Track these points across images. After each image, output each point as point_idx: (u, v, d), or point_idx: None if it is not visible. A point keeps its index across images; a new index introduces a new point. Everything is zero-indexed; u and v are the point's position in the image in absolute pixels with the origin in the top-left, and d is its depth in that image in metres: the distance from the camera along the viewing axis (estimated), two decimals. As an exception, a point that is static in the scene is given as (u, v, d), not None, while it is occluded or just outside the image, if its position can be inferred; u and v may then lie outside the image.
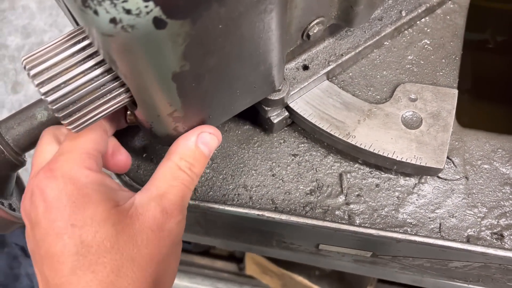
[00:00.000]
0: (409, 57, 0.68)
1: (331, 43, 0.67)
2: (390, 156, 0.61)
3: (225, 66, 0.41)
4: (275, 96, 0.60)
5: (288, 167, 0.67)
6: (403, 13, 0.68)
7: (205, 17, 0.32)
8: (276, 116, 0.65)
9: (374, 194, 0.65)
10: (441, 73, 0.67)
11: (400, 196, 0.65)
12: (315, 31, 0.58)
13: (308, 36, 0.58)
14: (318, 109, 0.64)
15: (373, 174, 0.66)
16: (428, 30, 0.70)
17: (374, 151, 0.61)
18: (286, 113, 0.65)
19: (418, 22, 0.70)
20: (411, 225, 0.63)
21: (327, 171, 0.66)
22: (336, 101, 0.65)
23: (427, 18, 0.70)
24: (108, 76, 0.37)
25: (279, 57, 0.48)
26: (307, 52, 0.66)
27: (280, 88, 0.59)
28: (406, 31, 0.70)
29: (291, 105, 0.64)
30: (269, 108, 0.62)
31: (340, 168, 0.67)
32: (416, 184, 0.66)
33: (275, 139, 0.69)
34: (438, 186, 0.66)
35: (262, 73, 0.48)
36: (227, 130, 0.69)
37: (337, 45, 0.66)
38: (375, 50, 0.69)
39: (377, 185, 0.66)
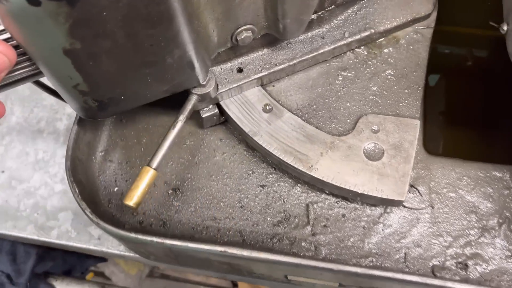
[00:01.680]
0: (373, 88, 0.70)
1: (268, 52, 0.68)
2: (352, 189, 0.62)
3: (122, 51, 0.46)
4: (199, 91, 0.62)
5: (257, 198, 0.68)
6: (346, 34, 0.70)
7: (83, 2, 0.37)
8: (206, 111, 0.67)
9: (340, 225, 0.66)
10: (404, 104, 0.68)
11: (366, 226, 0.66)
12: (242, 37, 0.60)
13: (237, 40, 0.61)
14: (283, 142, 0.65)
15: (339, 204, 0.67)
16: (392, 61, 0.71)
17: (336, 184, 0.62)
18: (216, 110, 0.68)
19: (382, 52, 0.72)
20: (376, 255, 0.64)
21: (295, 202, 0.67)
22: (300, 134, 0.66)
23: (390, 48, 0.72)
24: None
25: (195, 53, 0.52)
26: (244, 57, 0.68)
27: (204, 83, 0.61)
28: (370, 62, 0.71)
29: (228, 111, 0.67)
30: (199, 102, 0.64)
31: (307, 198, 0.68)
32: (382, 214, 0.67)
33: (244, 170, 0.70)
34: (404, 216, 0.66)
35: (174, 65, 0.52)
36: (197, 163, 0.71)
37: (273, 54, 0.68)
38: (337, 82, 0.70)
39: (343, 215, 0.67)
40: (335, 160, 0.64)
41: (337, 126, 0.67)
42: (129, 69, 0.50)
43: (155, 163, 0.59)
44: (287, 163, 0.64)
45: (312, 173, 0.63)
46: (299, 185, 0.68)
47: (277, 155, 0.64)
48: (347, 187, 0.62)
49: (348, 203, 0.67)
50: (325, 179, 0.63)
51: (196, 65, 0.54)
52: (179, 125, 0.61)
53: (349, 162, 0.63)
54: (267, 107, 0.68)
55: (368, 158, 0.64)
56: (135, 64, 0.49)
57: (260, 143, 0.65)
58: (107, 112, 0.60)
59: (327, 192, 0.67)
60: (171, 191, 0.67)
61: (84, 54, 0.44)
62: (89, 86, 0.50)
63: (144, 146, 0.72)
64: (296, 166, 0.63)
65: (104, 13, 0.40)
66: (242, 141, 0.71)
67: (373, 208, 0.67)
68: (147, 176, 0.58)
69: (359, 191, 0.62)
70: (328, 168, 0.63)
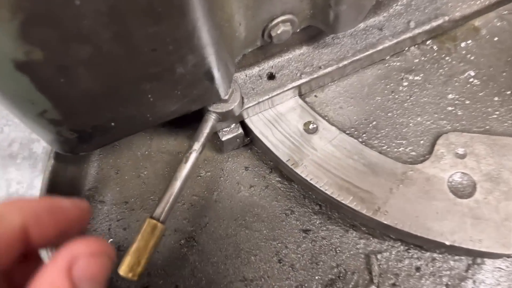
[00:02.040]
0: (450, 95, 0.52)
1: (308, 51, 0.51)
2: (437, 239, 0.45)
3: (109, 60, 0.33)
4: (219, 108, 0.45)
5: (299, 249, 0.51)
6: (411, 24, 0.52)
7: None
8: (226, 132, 0.50)
9: (415, 282, 0.49)
10: (494, 116, 0.51)
11: (450, 283, 0.49)
12: (278, 32, 0.43)
13: (270, 36, 0.44)
14: (336, 174, 0.48)
15: (411, 254, 0.50)
16: (472, 58, 0.54)
17: (415, 233, 0.45)
18: (240, 131, 0.51)
19: (458, 47, 0.54)
20: (468, 325, 0.47)
21: (351, 252, 0.50)
22: (358, 162, 0.48)
23: (469, 41, 0.54)
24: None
25: (216, 58, 0.38)
26: (276, 58, 0.51)
27: (226, 97, 0.45)
28: (443, 60, 0.53)
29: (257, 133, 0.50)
30: (219, 122, 0.48)
31: (368, 246, 0.50)
32: (469, 265, 0.49)
33: (280, 209, 0.52)
34: (500, 267, 0.49)
35: (186, 76, 0.38)
36: (216, 200, 0.53)
37: (316, 54, 0.51)
38: (402, 88, 0.52)
39: (417, 269, 0.50)
40: (410, 199, 0.46)
41: (407, 149, 0.50)
42: (121, 86, 0.37)
43: (163, 214, 0.42)
44: (343, 203, 0.47)
45: (381, 218, 0.46)
46: (354, 227, 0.51)
47: (329, 193, 0.47)
48: (430, 237, 0.45)
49: (423, 251, 0.50)
50: (399, 226, 0.45)
51: (217, 74, 0.40)
52: (193, 157, 0.44)
53: (430, 201, 0.46)
54: (311, 126, 0.50)
55: (455, 194, 0.46)
56: (130, 79, 0.37)
57: (304, 176, 0.48)
58: (92, 144, 0.43)
59: (393, 237, 0.50)
60: (184, 241, 0.50)
61: (49, 68, 0.31)
62: (62, 113, 0.37)
63: (145, 180, 0.55)
64: (357, 209, 0.46)
65: (78, 2, 0.27)
66: (275, 169, 0.54)
67: (456, 258, 0.50)
68: (153, 233, 0.41)
69: (448, 243, 0.44)
70: (402, 210, 0.46)
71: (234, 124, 0.51)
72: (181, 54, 0.36)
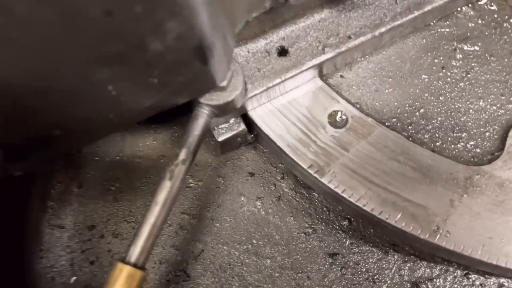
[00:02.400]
0: (518, 69, 0.39)
1: (333, 15, 0.39)
2: (520, 268, 0.33)
3: (37, 32, 0.21)
4: (214, 99, 0.34)
5: (326, 279, 0.39)
6: None
7: None
8: (224, 130, 0.38)
9: (479, 318, 0.37)
10: None
11: (524, 317, 0.37)
12: None
13: None
14: (375, 183, 0.35)
15: (471, 279, 0.39)
16: (544, 19, 0.41)
17: (488, 261, 0.33)
18: (242, 127, 0.39)
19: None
20: None
21: (393, 280, 0.39)
22: (405, 165, 0.36)
23: (538, -3, 0.41)
24: None
25: (211, 24, 0.26)
26: (289, 26, 0.39)
27: (224, 84, 0.32)
28: (506, 23, 0.40)
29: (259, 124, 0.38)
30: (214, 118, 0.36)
31: (414, 272, 0.39)
32: (549, 292, 0.38)
33: (297, 227, 0.40)
34: None
35: (164, 53, 0.26)
36: (213, 219, 0.40)
37: (343, 19, 0.39)
38: (455, 62, 0.39)
39: (482, 300, 0.38)
40: (478, 214, 0.34)
41: (469, 145, 0.37)
42: (61, 75, 0.24)
43: (141, 256, 0.29)
44: (388, 223, 0.34)
45: (441, 242, 0.34)
46: (395, 248, 0.39)
47: (369, 210, 0.34)
48: (510, 266, 0.33)
49: (487, 276, 0.38)
50: (466, 252, 0.33)
51: (211, 51, 0.26)
52: (180, 171, 0.31)
53: (507, 216, 0.34)
54: (338, 117, 0.37)
55: (539, 205, 0.34)
56: (74, 63, 0.24)
57: (334, 187, 0.35)
58: (30, 161, 0.29)
59: (445, 258, 0.38)
60: (172, 275, 0.37)
61: None
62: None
63: (117, 196, 0.42)
64: (408, 230, 0.34)
65: None
66: (288, 174, 0.41)
67: (531, 282, 0.38)
68: (129, 284, 0.29)
69: (534, 272, 0.32)
70: (469, 229, 0.34)
71: (233, 119, 0.38)
72: (155, 20, 0.22)
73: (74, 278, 0.40)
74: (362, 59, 0.40)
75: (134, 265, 0.30)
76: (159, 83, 0.27)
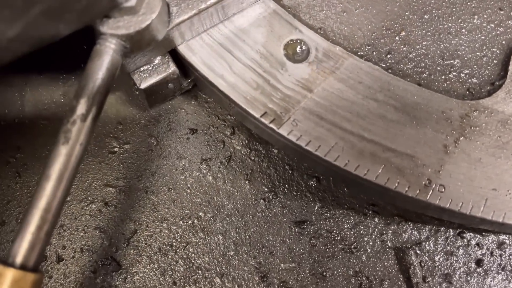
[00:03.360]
0: (519, -24, 0.31)
1: None
2: (532, 224, 0.26)
3: None
4: (119, 25, 0.25)
5: (293, 254, 0.31)
6: None
7: None
8: (148, 73, 0.30)
9: (477, 283, 0.31)
10: None
11: (528, 278, 0.31)
12: None
13: None
14: (348, 130, 0.27)
15: (466, 239, 0.33)
16: None
17: (494, 218, 0.26)
18: (172, 68, 0.30)
19: None
20: None
21: (374, 248, 0.31)
22: (385, 104, 0.28)
23: None
24: None
25: None
26: None
27: (132, 3, 0.25)
28: None
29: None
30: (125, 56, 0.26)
31: (399, 236, 0.32)
32: (554, 247, 0.32)
33: (252, 194, 0.32)
34: None
35: None
36: (147, 191, 0.32)
37: None
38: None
39: (479, 262, 0.32)
40: (480, 160, 0.27)
41: (463, 74, 0.29)
42: None
43: (31, 254, 0.20)
44: (367, 179, 0.27)
45: (434, 199, 0.26)
46: (375, 208, 0.32)
47: (342, 166, 0.27)
48: (518, 223, 0.26)
49: (484, 233, 0.32)
50: (465, 210, 0.26)
51: None
52: (80, 131, 0.22)
53: (510, 159, 0.27)
54: (298, 48, 0.29)
55: (551, 144, 0.27)
56: None
57: (295, 139, 0.27)
58: None
59: (435, 217, 0.31)
60: (98, 265, 0.28)
61: None
62: None
63: (19, 168, 0.32)
64: (392, 187, 0.26)
65: None
66: (239, 127, 0.32)
67: (532, 237, 0.32)
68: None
69: (548, 228, 0.26)
70: (467, 180, 0.27)
71: (159, 57, 0.29)
72: None
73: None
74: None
75: (22, 267, 0.21)
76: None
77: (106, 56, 0.24)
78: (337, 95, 0.28)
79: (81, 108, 0.23)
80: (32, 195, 0.22)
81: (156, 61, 0.29)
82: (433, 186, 0.27)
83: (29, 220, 0.22)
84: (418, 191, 0.27)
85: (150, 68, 0.29)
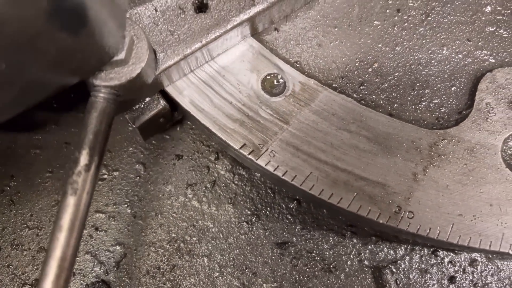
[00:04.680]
0: (488, 8, 0.32)
1: None
2: (495, 248, 0.28)
3: None
4: (111, 77, 0.26)
5: (275, 274, 0.33)
6: None
7: None
8: (140, 112, 0.31)
9: (450, 300, 0.33)
10: (558, 35, 0.32)
11: (499, 293, 0.33)
12: None
13: None
14: (322, 160, 0.29)
15: (440, 257, 0.34)
16: None
17: (459, 243, 0.28)
18: (162, 104, 0.31)
19: None
20: None
21: (352, 267, 0.33)
22: (358, 135, 0.29)
23: None
24: None
25: None
26: None
27: (122, 56, 0.26)
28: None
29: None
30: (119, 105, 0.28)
31: (376, 255, 0.34)
32: (524, 264, 0.34)
33: (235, 217, 0.34)
34: None
35: (8, 26, 0.18)
36: (135, 216, 0.33)
37: None
38: (414, 3, 0.32)
39: (451, 279, 0.33)
40: (447, 187, 0.29)
41: (432, 103, 0.31)
42: None
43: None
44: (340, 207, 0.28)
45: (404, 225, 0.28)
46: (353, 229, 0.33)
47: (317, 194, 0.28)
48: (483, 247, 0.28)
49: (457, 251, 0.33)
50: (433, 235, 0.28)
51: (81, 14, 0.17)
52: (85, 181, 0.25)
53: (477, 186, 0.28)
54: (275, 82, 0.30)
55: (515, 170, 0.29)
56: None
57: (272, 170, 0.29)
58: None
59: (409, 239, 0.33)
60: (91, 286, 0.30)
61: None
62: None
63: (13, 196, 0.34)
64: (364, 214, 0.28)
65: None
66: (223, 154, 0.34)
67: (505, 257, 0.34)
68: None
69: (512, 251, 0.28)
70: (435, 207, 0.28)
71: (149, 97, 0.30)
72: None
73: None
74: (304, 8, 0.32)
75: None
76: (10, 67, 0.19)
77: (101, 107, 0.25)
78: (312, 127, 0.29)
79: (83, 159, 0.24)
80: (48, 245, 0.24)
81: (147, 99, 0.30)
82: (403, 213, 0.28)
83: (48, 271, 0.23)
84: (388, 218, 0.28)
85: (142, 106, 0.30)
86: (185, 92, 0.30)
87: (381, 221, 0.28)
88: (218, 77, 0.30)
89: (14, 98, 0.22)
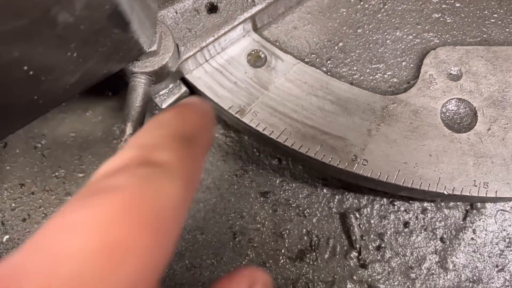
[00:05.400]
0: (435, -2, 0.39)
1: None
2: (432, 189, 0.34)
3: None
4: (147, 65, 0.33)
5: (258, 217, 0.40)
6: None
7: None
8: (166, 96, 0.38)
9: (404, 241, 0.39)
10: (492, 21, 0.39)
11: (445, 236, 0.40)
12: None
13: None
14: (295, 119, 0.36)
15: (396, 206, 0.40)
16: None
17: (403, 184, 0.34)
18: (184, 89, 0.38)
19: None
20: (471, 283, 0.38)
21: (323, 213, 0.40)
22: (324, 99, 0.36)
23: None
24: None
25: None
26: None
27: (154, 48, 0.32)
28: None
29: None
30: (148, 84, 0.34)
31: (343, 204, 0.40)
32: (467, 212, 0.40)
33: (227, 171, 0.41)
34: (504, 209, 0.40)
35: (77, 25, 0.24)
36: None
37: None
38: (375, -6, 0.39)
39: (406, 224, 0.40)
40: (394, 141, 0.35)
41: (386, 75, 0.38)
42: None
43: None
44: (309, 156, 0.35)
45: (359, 170, 0.35)
46: (325, 182, 0.40)
47: (289, 145, 0.35)
48: (423, 188, 0.34)
49: (411, 201, 0.40)
50: (382, 178, 0.35)
51: (130, 15, 0.27)
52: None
53: (420, 140, 0.35)
54: (259, 57, 0.37)
55: (451, 128, 0.36)
56: None
57: (255, 126, 0.36)
58: None
59: (371, 188, 0.39)
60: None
61: None
62: None
63: (44, 151, 0.41)
64: (327, 161, 0.35)
65: None
66: (219, 120, 0.41)
67: (451, 204, 0.40)
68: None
69: (446, 192, 0.34)
70: (385, 156, 0.35)
71: (172, 84, 0.37)
72: None
73: (7, 236, 0.40)
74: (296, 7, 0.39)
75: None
76: (78, 57, 0.26)
77: (140, 89, 0.32)
78: (286, 92, 0.36)
79: (128, 129, 0.31)
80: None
81: (171, 86, 0.37)
82: (359, 160, 0.35)
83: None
84: (346, 164, 0.35)
85: (167, 92, 0.37)
86: (201, 78, 0.37)
87: (340, 167, 0.35)
88: (226, 64, 0.37)
89: (72, 83, 0.29)
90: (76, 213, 0.16)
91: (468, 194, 0.34)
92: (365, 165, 0.35)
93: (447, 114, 0.36)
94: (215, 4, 0.36)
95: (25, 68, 0.24)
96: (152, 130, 0.21)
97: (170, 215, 0.18)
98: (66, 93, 0.29)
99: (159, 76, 0.33)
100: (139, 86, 0.32)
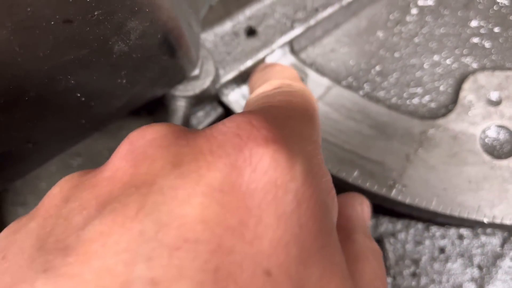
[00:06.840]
0: (473, 22, 0.39)
1: None
2: (471, 217, 0.34)
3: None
4: (188, 89, 0.33)
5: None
6: None
7: None
8: (202, 118, 0.38)
9: (439, 267, 0.39)
10: (532, 45, 0.39)
11: (482, 263, 0.39)
12: None
13: None
14: (332, 142, 0.36)
15: (432, 232, 0.40)
16: (498, -31, 0.41)
17: (442, 211, 0.34)
18: (219, 111, 0.38)
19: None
20: (508, 314, 0.37)
21: (356, 237, 0.39)
22: (362, 123, 0.36)
23: None
24: None
25: (174, 14, 0.25)
26: (254, 5, 0.38)
27: (196, 73, 0.32)
28: (459, -24, 0.40)
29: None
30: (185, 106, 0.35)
31: (377, 228, 0.40)
32: (505, 239, 0.39)
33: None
34: (542, 238, 0.39)
35: (129, 53, 0.24)
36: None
37: None
38: (410, 18, 0.39)
39: (441, 250, 0.39)
40: (433, 167, 0.35)
41: (424, 100, 0.37)
42: (27, 88, 0.22)
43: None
44: (346, 181, 0.35)
45: (397, 196, 0.34)
46: (358, 205, 0.39)
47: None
48: (463, 215, 0.34)
49: (447, 227, 0.40)
50: (421, 204, 0.34)
51: (178, 42, 0.27)
52: None
53: (460, 167, 0.35)
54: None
55: (491, 154, 0.35)
56: (39, 76, 0.21)
57: (292, 149, 0.35)
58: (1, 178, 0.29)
59: (406, 213, 0.39)
60: None
61: None
62: None
63: (79, 169, 0.41)
64: (365, 186, 0.34)
65: None
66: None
67: (488, 231, 0.40)
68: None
69: (486, 220, 0.34)
70: (424, 182, 0.34)
71: (209, 106, 0.38)
72: (116, 23, 0.21)
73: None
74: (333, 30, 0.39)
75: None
76: (127, 83, 0.26)
77: (180, 112, 0.33)
78: (324, 116, 0.36)
79: None
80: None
81: (207, 108, 0.37)
82: (397, 185, 0.35)
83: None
84: (384, 189, 0.35)
85: (203, 114, 0.37)
86: (238, 101, 0.37)
87: (378, 192, 0.34)
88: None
89: (119, 107, 0.29)
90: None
91: (508, 223, 0.34)
92: (403, 191, 0.34)
93: (486, 140, 0.36)
94: (253, 28, 0.37)
95: (78, 95, 0.24)
96: (282, 70, 0.29)
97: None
98: (112, 117, 0.29)
99: (199, 99, 0.34)
100: (180, 109, 0.32)
